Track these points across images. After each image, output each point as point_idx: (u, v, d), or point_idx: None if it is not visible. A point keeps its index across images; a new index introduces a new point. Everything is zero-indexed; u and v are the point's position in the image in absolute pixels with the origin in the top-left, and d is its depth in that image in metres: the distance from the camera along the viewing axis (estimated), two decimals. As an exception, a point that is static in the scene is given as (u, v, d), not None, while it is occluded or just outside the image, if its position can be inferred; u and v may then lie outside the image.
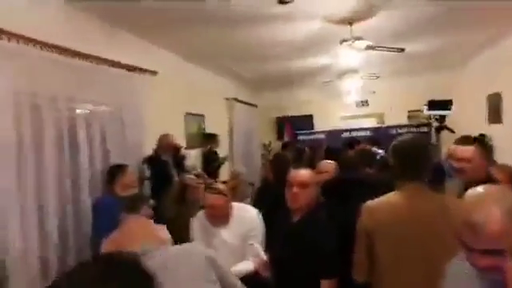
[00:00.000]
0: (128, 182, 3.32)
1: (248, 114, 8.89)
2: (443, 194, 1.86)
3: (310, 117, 10.28)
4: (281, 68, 7.09)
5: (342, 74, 6.84)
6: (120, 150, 3.77)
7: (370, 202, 1.84)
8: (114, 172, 3.33)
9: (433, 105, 3.33)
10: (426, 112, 4.37)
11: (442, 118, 3.24)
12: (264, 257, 2.24)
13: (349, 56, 4.86)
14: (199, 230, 2.53)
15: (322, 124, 10.05)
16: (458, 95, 7.73)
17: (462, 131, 5.17)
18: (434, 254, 1.64)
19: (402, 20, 4.41)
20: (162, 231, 2.55)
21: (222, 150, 6.81)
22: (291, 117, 10.11)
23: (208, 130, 6.63)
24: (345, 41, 4.37)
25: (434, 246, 1.64)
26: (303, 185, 2.10)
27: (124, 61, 4.00)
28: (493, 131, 6.17)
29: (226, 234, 2.45)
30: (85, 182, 3.24)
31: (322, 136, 9.15)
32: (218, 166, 6.43)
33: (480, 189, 1.09)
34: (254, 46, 5.32)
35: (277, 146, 9.82)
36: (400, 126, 8.97)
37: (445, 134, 6.69)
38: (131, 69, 4.07)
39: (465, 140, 2.34)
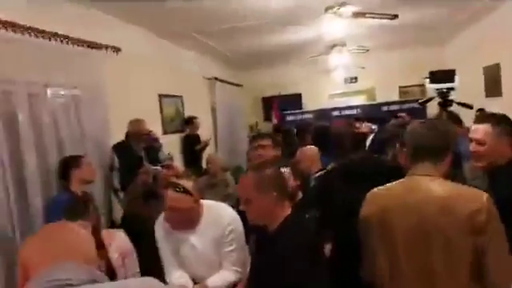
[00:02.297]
0: (85, 176, 2.86)
1: (232, 95, 8.40)
2: (458, 185, 1.49)
3: (299, 96, 9.81)
4: (264, 43, 6.57)
5: (330, 47, 6.37)
6: (77, 138, 3.28)
7: (374, 189, 1.63)
8: (67, 165, 2.85)
9: (435, 76, 2.87)
10: (428, 85, 3.85)
11: (447, 92, 2.80)
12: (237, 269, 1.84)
13: (335, 26, 4.39)
14: (163, 236, 2.07)
15: (310, 103, 9.59)
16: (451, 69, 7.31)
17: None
18: (429, 257, 1.40)
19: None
20: (113, 239, 2.10)
21: (205, 134, 6.35)
22: (278, 96, 9.62)
23: (188, 113, 6.14)
24: (330, 8, 3.88)
25: (432, 248, 1.40)
26: (246, 201, 1.64)
27: (82, 36, 3.48)
28: (491, 105, 5.79)
29: (196, 239, 2.00)
30: (32, 180, 2.72)
31: (311, 116, 8.70)
32: (201, 151, 5.98)
33: None
34: (231, 19, 4.79)
35: (264, 127, 9.37)
36: (391, 103, 8.58)
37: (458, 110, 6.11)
38: (89, 45, 3.54)
39: (480, 117, 1.92)
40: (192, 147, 5.89)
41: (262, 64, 8.91)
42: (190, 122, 5.99)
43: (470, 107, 3.15)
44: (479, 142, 1.82)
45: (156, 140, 4.14)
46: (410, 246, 1.44)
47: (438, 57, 7.88)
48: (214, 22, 4.95)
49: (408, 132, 1.58)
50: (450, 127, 1.63)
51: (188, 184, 1.92)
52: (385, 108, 8.36)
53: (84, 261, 0.91)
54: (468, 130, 2.00)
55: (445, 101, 2.94)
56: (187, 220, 1.95)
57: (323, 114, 8.58)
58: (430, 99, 3.37)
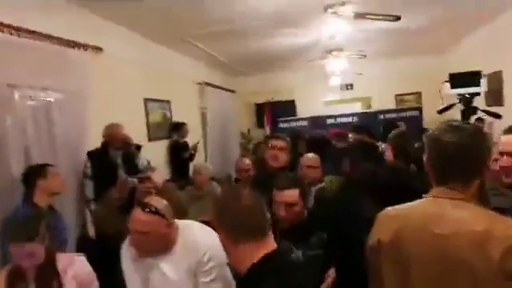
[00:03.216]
0: (51, 188, 2.54)
1: (224, 100, 8.11)
2: (493, 213, 1.19)
3: (292, 102, 9.55)
4: (258, 47, 6.29)
5: (326, 52, 6.12)
6: (47, 146, 2.97)
7: (385, 210, 1.36)
8: (31, 175, 2.53)
9: (457, 80, 2.50)
10: (448, 91, 3.34)
11: (471, 98, 2.45)
12: None
13: (334, 28, 4.15)
14: (130, 264, 1.75)
15: (304, 110, 9.33)
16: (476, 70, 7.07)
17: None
18: None
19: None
20: (71, 266, 1.77)
21: (193, 141, 6.03)
22: (272, 102, 9.34)
23: (176, 118, 5.84)
24: (329, 7, 3.64)
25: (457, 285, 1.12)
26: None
27: (58, 34, 3.20)
28: (493, 115, 5.56)
29: (168, 266, 1.69)
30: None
31: (305, 123, 8.43)
32: (189, 159, 5.67)
33: None
34: (221, 21, 4.51)
35: (257, 134, 9.08)
36: (388, 111, 8.36)
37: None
38: (66, 44, 3.25)
39: (510, 128, 1.67)
40: (180, 155, 5.59)
41: (255, 69, 8.64)
42: (178, 127, 5.69)
43: (498, 116, 2.84)
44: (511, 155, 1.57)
45: (130, 144, 3.71)
46: (428, 282, 1.17)
47: (437, 64, 7.65)
48: (203, 24, 4.67)
49: (430, 139, 1.25)
50: (486, 132, 1.31)
51: (160, 203, 1.62)
52: (381, 116, 8.13)
53: None
54: None
55: (468, 108, 2.61)
56: (157, 247, 1.64)
57: (317, 121, 8.33)
58: (451, 106, 3.03)
